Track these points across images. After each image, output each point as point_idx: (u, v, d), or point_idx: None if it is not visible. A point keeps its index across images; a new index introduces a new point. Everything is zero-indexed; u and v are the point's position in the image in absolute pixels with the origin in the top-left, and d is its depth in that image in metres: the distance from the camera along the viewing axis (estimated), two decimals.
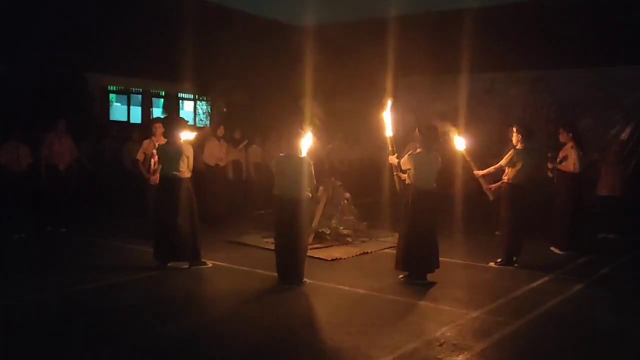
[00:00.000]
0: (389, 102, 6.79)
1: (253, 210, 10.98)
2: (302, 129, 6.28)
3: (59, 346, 4.39)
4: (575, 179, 7.94)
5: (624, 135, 11.47)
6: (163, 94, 14.57)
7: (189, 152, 6.72)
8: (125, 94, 14.00)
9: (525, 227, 7.27)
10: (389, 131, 6.76)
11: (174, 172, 6.62)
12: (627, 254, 8.13)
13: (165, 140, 6.83)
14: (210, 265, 6.81)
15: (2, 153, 8.24)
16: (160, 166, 6.82)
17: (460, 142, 7.01)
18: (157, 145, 7.30)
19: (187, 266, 6.71)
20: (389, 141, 6.77)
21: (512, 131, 7.35)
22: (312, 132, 6.39)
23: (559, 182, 8.04)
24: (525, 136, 7.18)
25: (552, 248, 8.01)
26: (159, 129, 7.65)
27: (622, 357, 4.55)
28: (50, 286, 5.86)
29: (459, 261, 7.33)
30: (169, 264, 6.69)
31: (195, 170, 7.03)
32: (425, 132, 6.37)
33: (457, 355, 4.29)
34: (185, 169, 6.68)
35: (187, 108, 15.63)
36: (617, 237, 9.03)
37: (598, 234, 9.11)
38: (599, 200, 9.37)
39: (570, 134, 7.99)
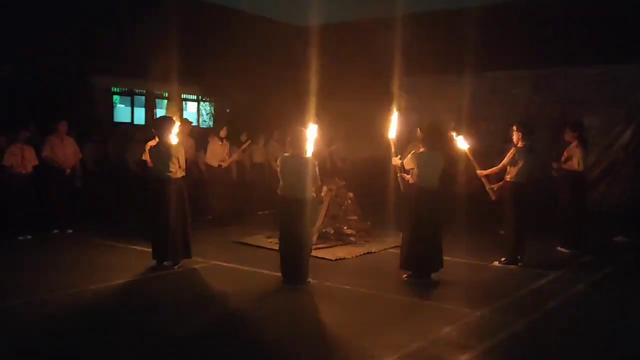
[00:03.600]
0: (396, 106, 6.80)
1: (256, 211, 11.00)
2: (306, 129, 6.30)
3: (67, 346, 4.41)
4: (579, 177, 7.92)
5: (627, 134, 11.44)
6: (166, 95, 14.58)
7: (180, 152, 6.74)
8: (129, 95, 14.03)
9: (529, 226, 7.26)
10: (392, 133, 6.76)
11: (166, 173, 6.65)
12: (632, 253, 8.10)
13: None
14: (195, 265, 6.82)
15: (7, 155, 8.26)
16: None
17: (463, 142, 7.01)
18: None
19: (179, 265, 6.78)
20: (392, 143, 6.77)
21: (513, 130, 7.36)
22: (316, 131, 6.40)
23: (563, 181, 8.03)
24: (526, 134, 7.18)
25: (558, 248, 7.99)
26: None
27: (626, 356, 4.55)
28: (56, 286, 5.89)
29: (463, 260, 7.33)
30: (176, 266, 6.74)
31: (199, 171, 7.05)
32: (428, 131, 6.37)
33: (462, 354, 4.29)
34: (176, 170, 6.71)
35: (190, 109, 15.65)
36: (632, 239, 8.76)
37: (614, 236, 8.91)
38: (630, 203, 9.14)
39: (576, 133, 7.97)
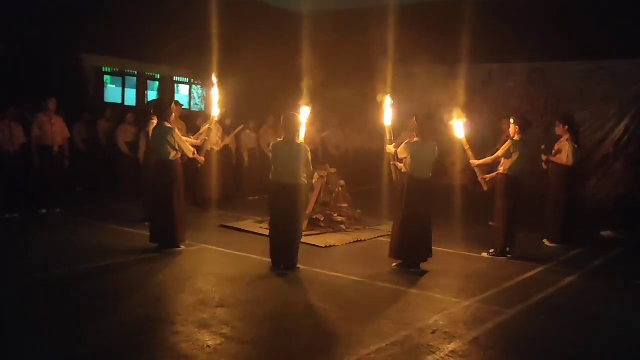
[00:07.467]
0: (388, 95, 6.74)
1: (247, 196, 10.96)
2: (299, 114, 6.25)
3: (52, 326, 4.37)
4: (568, 171, 7.93)
5: (618, 130, 11.50)
6: (158, 76, 14.44)
7: (177, 135, 6.66)
8: (120, 75, 13.86)
9: (519, 218, 7.28)
10: (387, 120, 6.73)
11: (163, 155, 6.59)
12: (619, 247, 8.16)
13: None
14: (182, 247, 6.77)
15: None
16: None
17: (459, 130, 6.96)
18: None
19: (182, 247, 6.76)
20: (386, 130, 6.74)
21: (510, 122, 7.35)
22: (308, 117, 6.37)
23: (552, 174, 8.05)
24: (522, 127, 7.17)
25: (544, 240, 8.04)
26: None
27: (612, 346, 4.59)
28: (44, 266, 5.83)
29: (452, 250, 7.35)
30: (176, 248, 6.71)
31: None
32: (422, 121, 6.35)
33: (449, 343, 4.30)
34: (173, 152, 6.64)
35: (182, 91, 15.51)
36: (619, 234, 8.77)
37: (602, 230, 8.89)
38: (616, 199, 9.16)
39: (566, 127, 7.99)
